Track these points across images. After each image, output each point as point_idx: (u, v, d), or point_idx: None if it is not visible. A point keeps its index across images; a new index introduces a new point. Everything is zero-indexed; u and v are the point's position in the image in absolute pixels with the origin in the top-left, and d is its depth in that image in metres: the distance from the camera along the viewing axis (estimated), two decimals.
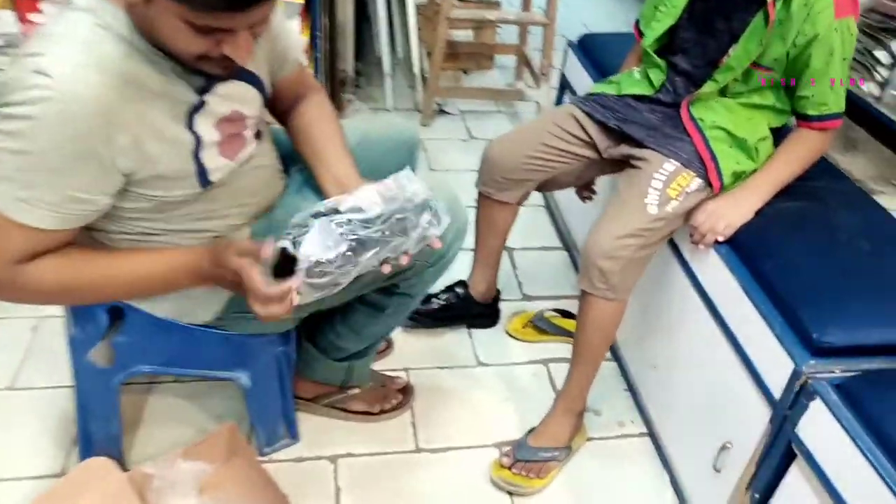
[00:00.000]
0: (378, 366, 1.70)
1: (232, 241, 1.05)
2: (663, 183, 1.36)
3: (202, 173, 1.06)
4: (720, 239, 1.33)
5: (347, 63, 2.70)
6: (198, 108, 1.02)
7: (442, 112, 2.86)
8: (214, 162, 1.07)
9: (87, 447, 1.38)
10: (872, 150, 2.90)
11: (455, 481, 1.47)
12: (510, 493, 1.46)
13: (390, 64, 2.75)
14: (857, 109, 2.93)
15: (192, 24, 0.87)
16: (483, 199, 1.72)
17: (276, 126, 1.33)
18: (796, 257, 1.25)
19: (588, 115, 1.56)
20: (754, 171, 1.43)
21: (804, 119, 1.38)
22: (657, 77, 1.52)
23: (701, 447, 1.36)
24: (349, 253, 0.97)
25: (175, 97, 0.99)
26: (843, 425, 1.00)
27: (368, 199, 1.01)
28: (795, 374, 1.09)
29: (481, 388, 1.70)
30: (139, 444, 1.47)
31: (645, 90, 1.54)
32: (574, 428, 1.53)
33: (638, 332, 1.67)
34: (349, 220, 0.98)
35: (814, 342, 1.10)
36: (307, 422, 1.55)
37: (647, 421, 1.62)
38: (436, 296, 1.82)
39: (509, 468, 1.47)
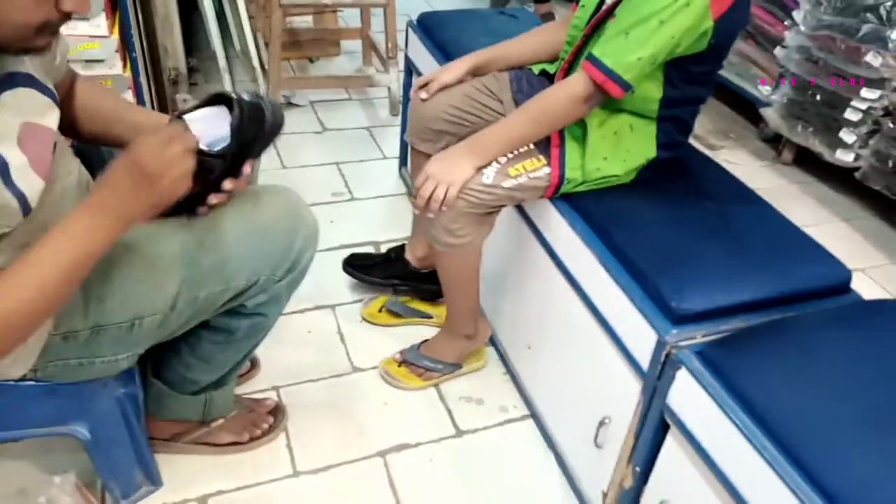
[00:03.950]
0: (243, 388, 1.57)
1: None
2: (508, 160, 1.34)
3: (22, 199, 0.90)
4: (443, 209, 1.32)
5: (178, 60, 2.48)
6: None
7: (290, 105, 2.71)
8: (30, 184, 0.91)
9: None
10: (710, 107, 3.06)
11: (340, 500, 1.39)
12: (388, 384, 1.63)
13: (225, 58, 2.55)
14: None
15: None
16: (411, 149, 1.72)
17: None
18: (647, 225, 1.25)
19: (510, 81, 1.57)
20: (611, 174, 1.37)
21: (586, 57, 1.27)
22: (563, 52, 1.48)
23: (581, 424, 1.35)
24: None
25: None
26: (708, 392, 1.00)
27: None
28: (660, 345, 1.09)
29: (359, 395, 1.61)
30: None
31: (549, 67, 1.54)
32: (461, 349, 1.64)
33: (509, 314, 1.65)
34: None
35: (673, 310, 1.10)
36: (170, 462, 1.40)
37: (528, 403, 1.61)
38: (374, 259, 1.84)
39: (397, 364, 1.64)
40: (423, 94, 1.58)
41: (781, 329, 1.10)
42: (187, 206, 1.04)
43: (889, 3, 2.13)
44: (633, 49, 1.21)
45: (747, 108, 2.88)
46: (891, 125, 2.18)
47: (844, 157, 2.32)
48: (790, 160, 2.68)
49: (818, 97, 2.37)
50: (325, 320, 1.79)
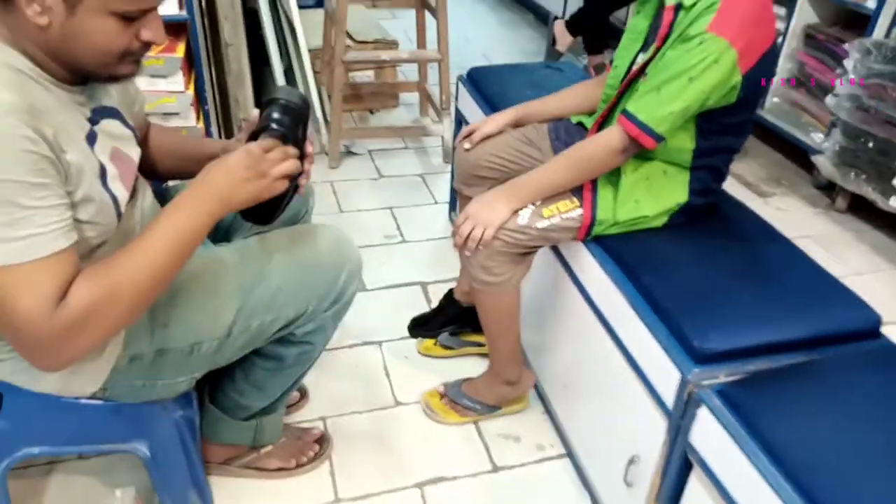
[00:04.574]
0: (292, 417, 1.66)
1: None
2: (543, 202, 1.41)
3: (115, 202, 1.05)
4: (480, 249, 1.39)
5: (248, 111, 2.67)
6: (93, 136, 1.03)
7: (350, 153, 2.86)
8: (120, 192, 1.07)
9: None
10: (762, 154, 3.06)
11: None
12: (427, 416, 1.69)
13: None
14: None
15: (118, 14, 0.93)
16: (458, 194, 1.83)
17: None
18: (676, 267, 1.30)
19: (549, 131, 1.67)
20: (641, 216, 1.42)
21: (621, 112, 1.35)
22: (599, 108, 1.56)
23: (612, 462, 1.38)
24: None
25: (75, 122, 1.00)
26: (728, 431, 1.03)
27: None
28: (683, 383, 1.13)
29: (401, 428, 1.68)
30: None
31: (586, 121, 1.62)
32: (502, 394, 1.67)
33: (547, 353, 1.70)
34: None
35: (696, 350, 1.13)
36: (220, 483, 1.50)
37: (565, 442, 1.63)
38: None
39: (439, 397, 1.70)
40: (467, 145, 1.70)
41: (805, 371, 1.11)
42: (280, 200, 1.16)
43: None
44: (665, 104, 1.27)
45: (799, 155, 2.87)
46: None
47: None
48: (844, 207, 2.65)
49: (870, 145, 2.36)
50: (371, 356, 1.88)
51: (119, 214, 1.07)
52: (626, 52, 1.49)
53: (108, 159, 1.05)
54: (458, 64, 2.76)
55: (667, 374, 1.16)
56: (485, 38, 4.33)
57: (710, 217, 1.48)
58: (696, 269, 1.31)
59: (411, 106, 3.27)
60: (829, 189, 2.73)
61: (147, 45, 1.01)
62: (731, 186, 2.67)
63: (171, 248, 1.01)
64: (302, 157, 1.16)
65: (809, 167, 2.79)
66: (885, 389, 1.06)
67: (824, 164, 2.55)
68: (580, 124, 1.66)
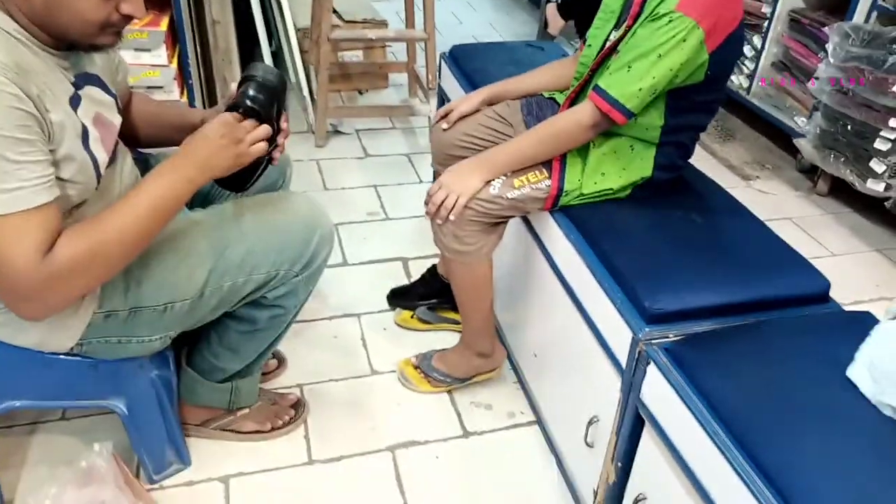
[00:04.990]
0: (270, 384, 1.71)
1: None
2: (513, 172, 1.45)
3: (95, 164, 1.10)
4: (452, 217, 1.42)
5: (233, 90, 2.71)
6: (77, 100, 1.08)
7: (337, 132, 2.90)
8: (101, 155, 1.12)
9: None
10: (748, 138, 3.08)
11: (348, 488, 1.49)
12: (402, 385, 1.74)
13: None
14: (731, 101, 3.12)
15: None
16: (436, 174, 1.85)
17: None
18: (636, 235, 1.34)
19: (522, 107, 1.70)
20: (608, 189, 1.46)
21: (592, 88, 1.38)
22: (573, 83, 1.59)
23: (575, 425, 1.42)
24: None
25: (60, 84, 1.05)
26: (673, 386, 1.07)
27: None
28: (634, 342, 1.17)
29: (376, 395, 1.72)
30: (22, 488, 1.43)
31: (559, 97, 1.65)
32: (473, 367, 1.71)
33: (519, 324, 1.74)
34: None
35: (647, 310, 1.17)
36: (198, 444, 1.54)
37: (535, 410, 1.68)
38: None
39: (413, 367, 1.74)
40: (444, 125, 1.73)
41: (751, 332, 1.15)
42: (254, 169, 1.23)
43: None
44: (635, 81, 1.31)
45: (784, 139, 2.89)
46: None
47: (875, 187, 2.31)
48: (825, 191, 2.68)
49: (849, 127, 2.39)
50: (350, 327, 1.92)
51: (99, 176, 1.12)
52: (599, 31, 1.52)
53: (90, 122, 1.10)
54: (449, 46, 2.78)
55: (621, 335, 1.20)
56: (478, 20, 4.35)
57: (675, 190, 1.52)
58: (655, 239, 1.35)
59: (401, 87, 3.30)
60: (812, 173, 2.76)
61: (128, 18, 1.05)
62: (713, 169, 2.73)
63: (153, 212, 1.08)
64: (277, 131, 1.21)
65: (794, 151, 2.82)
66: (826, 350, 1.10)
67: (806, 147, 2.58)
68: (552, 99, 1.69)
